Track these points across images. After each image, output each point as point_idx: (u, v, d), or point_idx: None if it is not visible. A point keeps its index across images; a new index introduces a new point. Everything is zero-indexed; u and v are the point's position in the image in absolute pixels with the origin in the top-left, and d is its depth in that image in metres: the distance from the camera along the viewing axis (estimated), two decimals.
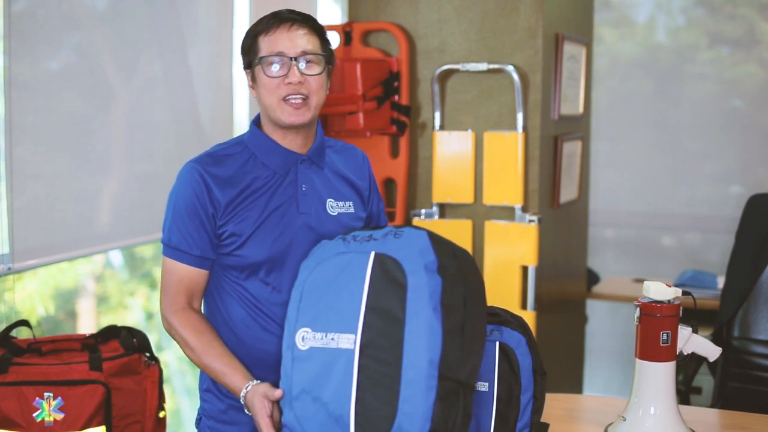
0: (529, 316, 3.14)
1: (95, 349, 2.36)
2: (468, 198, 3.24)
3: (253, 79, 1.91)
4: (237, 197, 1.86)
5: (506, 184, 3.16)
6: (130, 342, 2.42)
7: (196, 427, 2.02)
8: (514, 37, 3.18)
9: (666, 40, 4.78)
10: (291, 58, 1.85)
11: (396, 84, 3.28)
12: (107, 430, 2.29)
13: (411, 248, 1.66)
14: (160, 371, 2.45)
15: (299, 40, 1.85)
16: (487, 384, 1.94)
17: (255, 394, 1.76)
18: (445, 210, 3.31)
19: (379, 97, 3.23)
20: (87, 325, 3.20)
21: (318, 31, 1.90)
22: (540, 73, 3.16)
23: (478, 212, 3.26)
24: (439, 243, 1.69)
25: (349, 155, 2.04)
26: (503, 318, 1.99)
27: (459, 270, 1.67)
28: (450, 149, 3.24)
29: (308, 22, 1.88)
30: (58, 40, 2.74)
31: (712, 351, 2.09)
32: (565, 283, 3.59)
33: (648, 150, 4.79)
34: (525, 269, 3.17)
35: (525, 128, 3.15)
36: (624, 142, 4.84)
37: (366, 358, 1.62)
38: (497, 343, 1.95)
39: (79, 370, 2.28)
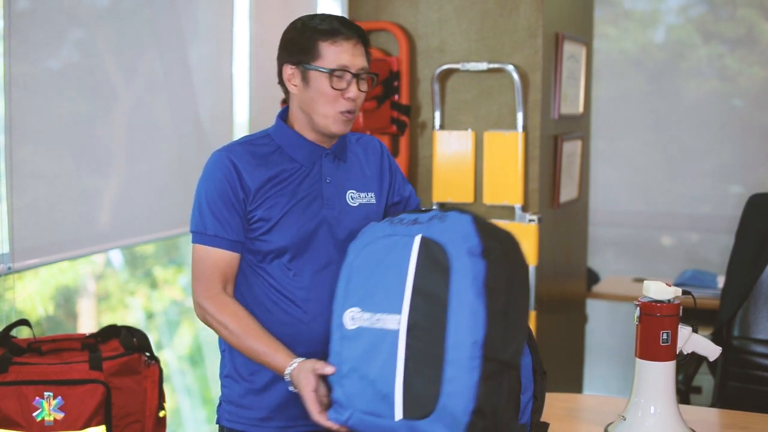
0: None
1: (95, 348, 2.36)
2: (468, 197, 3.24)
3: (304, 80, 1.93)
4: (266, 184, 1.91)
5: (506, 183, 3.16)
6: (130, 341, 2.41)
7: (217, 413, 2.07)
8: (514, 36, 3.18)
9: (665, 38, 4.78)
10: (353, 75, 1.91)
11: (396, 83, 3.28)
12: (107, 429, 2.29)
13: (455, 232, 1.69)
14: (160, 371, 2.45)
15: (361, 57, 1.92)
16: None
17: (302, 370, 1.81)
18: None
19: (379, 97, 3.23)
20: (87, 324, 3.20)
21: (368, 49, 1.97)
22: (540, 73, 3.16)
23: (478, 212, 3.23)
24: (483, 227, 1.72)
25: (368, 145, 2.10)
26: None
27: (503, 253, 1.70)
28: (450, 149, 3.24)
29: (366, 42, 1.96)
30: (59, 39, 2.74)
31: (712, 350, 2.09)
32: (565, 283, 3.60)
33: (648, 149, 4.79)
34: None
35: (525, 128, 3.15)
36: (623, 142, 4.84)
37: (412, 339, 1.65)
38: None
39: (79, 369, 2.28)
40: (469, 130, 3.23)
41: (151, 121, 3.13)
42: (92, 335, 2.45)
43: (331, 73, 1.89)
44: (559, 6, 3.36)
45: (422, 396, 1.63)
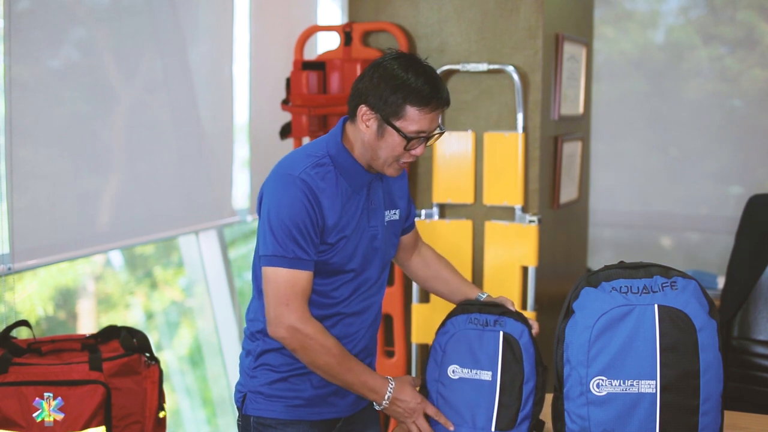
0: (529, 316, 3.13)
1: (95, 349, 2.36)
2: (468, 198, 3.24)
3: (378, 129, 1.95)
4: (335, 210, 1.97)
5: (506, 184, 3.16)
6: (130, 342, 2.41)
7: (239, 405, 2.11)
8: (514, 37, 3.18)
9: (666, 39, 4.78)
10: (426, 137, 1.97)
11: None
12: (107, 430, 2.29)
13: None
14: (160, 371, 2.45)
15: (438, 120, 1.98)
16: (490, 373, 2.03)
17: (407, 383, 2.03)
18: (445, 210, 3.31)
19: None
20: (87, 325, 3.20)
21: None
22: (540, 74, 3.16)
23: (478, 212, 3.26)
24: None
25: None
26: (504, 309, 2.08)
27: None
28: (450, 149, 3.24)
29: (449, 104, 2.00)
30: (59, 39, 2.74)
31: None
32: (565, 283, 3.59)
33: (648, 150, 4.79)
34: (525, 269, 3.17)
35: (525, 128, 3.15)
36: (624, 142, 4.84)
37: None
38: (501, 332, 2.04)
39: (79, 370, 2.28)
40: (469, 131, 3.23)
41: (151, 121, 3.13)
42: (92, 336, 2.45)
43: (411, 138, 1.94)
44: (559, 7, 3.36)
45: None
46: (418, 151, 1.97)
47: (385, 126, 1.94)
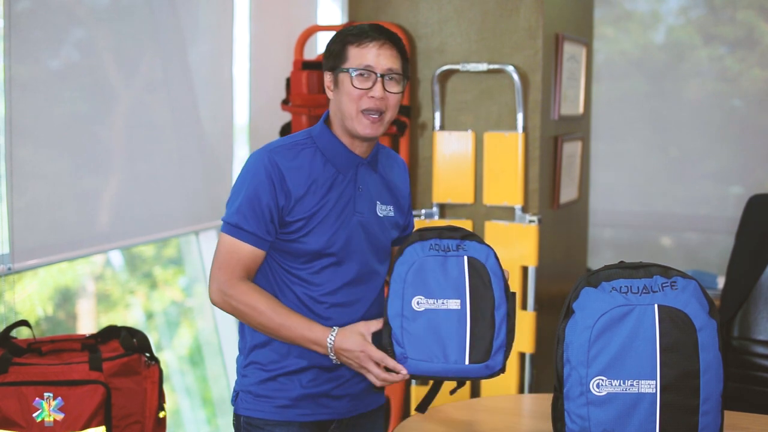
0: (529, 316, 3.14)
1: (95, 349, 2.36)
2: (468, 198, 3.24)
3: (335, 84, 2.00)
4: (307, 191, 1.97)
5: (506, 184, 3.16)
6: (130, 342, 2.41)
7: (233, 404, 2.10)
8: (514, 37, 3.18)
9: (666, 39, 4.78)
10: (378, 75, 1.95)
11: None
12: (107, 430, 2.29)
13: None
14: (160, 371, 2.45)
15: (387, 58, 1.97)
16: (458, 301, 1.90)
17: (353, 333, 1.91)
18: (445, 210, 3.31)
19: None
20: (87, 325, 3.20)
21: (402, 52, 2.01)
22: (540, 74, 3.16)
23: (478, 212, 3.26)
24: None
25: (393, 161, 2.18)
26: (465, 232, 1.96)
27: None
28: (450, 149, 3.24)
29: (397, 44, 2.00)
30: (59, 39, 2.74)
31: None
32: (565, 283, 3.59)
33: (648, 150, 4.79)
34: (525, 269, 3.17)
35: (525, 128, 3.15)
36: (624, 142, 4.84)
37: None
38: (465, 257, 1.92)
39: (79, 370, 2.28)
40: (470, 131, 3.23)
41: (151, 121, 3.13)
42: (92, 336, 2.45)
43: (350, 71, 1.95)
44: (559, 6, 3.36)
45: None
46: (375, 92, 1.95)
47: (337, 75, 1.98)
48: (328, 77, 2.02)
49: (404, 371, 1.89)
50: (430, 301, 1.90)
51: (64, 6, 2.75)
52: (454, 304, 1.89)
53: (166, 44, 3.16)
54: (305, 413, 2.04)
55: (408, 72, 2.05)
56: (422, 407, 2.06)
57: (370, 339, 1.92)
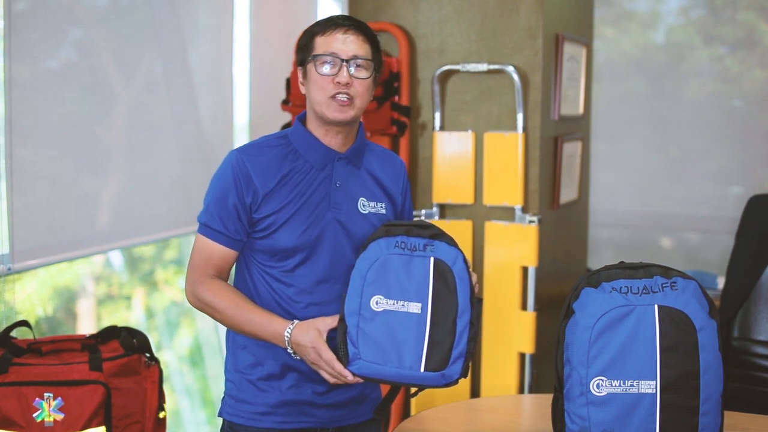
0: (529, 317, 3.14)
1: (95, 349, 2.36)
2: (468, 198, 3.24)
3: (305, 76, 2.01)
4: (275, 186, 1.96)
5: (506, 184, 3.16)
6: (130, 342, 2.41)
7: (220, 406, 2.11)
8: (514, 37, 3.18)
9: (666, 40, 4.78)
10: (342, 60, 1.95)
11: (396, 84, 3.28)
12: (107, 430, 2.29)
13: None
14: (160, 371, 2.45)
15: (352, 44, 1.96)
16: (419, 305, 1.82)
17: (303, 330, 1.87)
18: (445, 210, 3.31)
19: (379, 98, 3.23)
20: (87, 325, 3.20)
21: (371, 39, 2.01)
22: (540, 74, 3.16)
23: (478, 213, 3.26)
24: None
25: (387, 160, 2.14)
26: (435, 231, 1.87)
27: None
28: (450, 150, 3.24)
29: (363, 30, 2.00)
30: (58, 39, 2.74)
31: None
32: (565, 284, 3.59)
33: (648, 150, 4.79)
34: (525, 270, 3.17)
35: (525, 129, 3.15)
36: (624, 143, 4.83)
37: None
38: (431, 258, 1.84)
39: (79, 370, 2.28)
40: (470, 131, 3.23)
41: (151, 121, 3.13)
42: (92, 336, 2.45)
43: (315, 59, 1.96)
44: (559, 7, 3.36)
45: None
46: (341, 77, 1.93)
47: (306, 66, 1.99)
48: (299, 72, 2.03)
49: (350, 377, 1.83)
50: (390, 302, 1.83)
51: (64, 6, 2.75)
52: (414, 307, 1.82)
53: (166, 44, 3.16)
54: (285, 420, 2.00)
55: (380, 60, 2.02)
56: (380, 411, 2.00)
57: (325, 336, 1.86)
